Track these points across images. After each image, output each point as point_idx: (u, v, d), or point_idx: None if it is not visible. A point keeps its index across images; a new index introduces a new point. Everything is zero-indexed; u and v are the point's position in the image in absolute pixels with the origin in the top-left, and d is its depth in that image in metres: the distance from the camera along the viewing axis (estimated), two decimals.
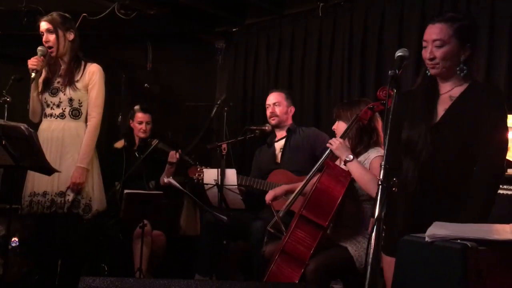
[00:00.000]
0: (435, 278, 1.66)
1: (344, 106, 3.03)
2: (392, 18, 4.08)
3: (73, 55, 3.32)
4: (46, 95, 3.31)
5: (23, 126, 2.76)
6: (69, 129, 3.27)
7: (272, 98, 4.00)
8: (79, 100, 3.29)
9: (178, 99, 5.42)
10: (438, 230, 1.72)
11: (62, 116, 3.29)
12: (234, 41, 5.41)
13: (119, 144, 4.36)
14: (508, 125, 2.20)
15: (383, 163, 1.87)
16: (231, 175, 3.60)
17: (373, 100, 2.96)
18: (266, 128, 4.02)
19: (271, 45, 5.04)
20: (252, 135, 3.98)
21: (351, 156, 2.75)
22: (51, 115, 3.30)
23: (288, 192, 3.19)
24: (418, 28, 3.79)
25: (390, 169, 1.86)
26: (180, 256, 4.35)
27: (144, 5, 4.58)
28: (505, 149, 2.16)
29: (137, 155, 4.24)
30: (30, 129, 2.78)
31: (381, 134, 2.90)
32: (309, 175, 2.90)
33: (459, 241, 1.62)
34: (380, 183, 1.84)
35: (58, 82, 3.31)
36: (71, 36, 3.30)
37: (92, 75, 3.31)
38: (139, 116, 4.32)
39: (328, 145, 2.84)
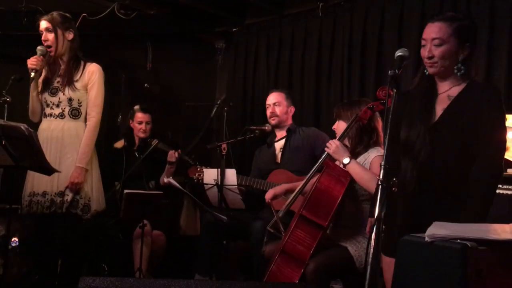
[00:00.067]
0: (435, 278, 1.66)
1: (344, 106, 3.03)
2: (392, 18, 4.08)
3: (72, 54, 3.32)
4: (46, 95, 3.31)
5: (23, 126, 2.76)
6: (68, 129, 3.27)
7: (272, 98, 4.01)
8: (78, 100, 3.29)
9: (178, 99, 5.42)
10: (438, 230, 1.71)
11: (61, 116, 3.28)
12: (234, 41, 5.42)
13: (119, 144, 4.36)
14: (507, 125, 2.21)
15: (383, 163, 1.87)
16: (231, 175, 3.60)
17: (373, 100, 2.96)
18: (266, 128, 4.02)
19: (271, 45, 5.04)
20: (252, 135, 3.98)
21: (348, 159, 2.75)
22: (50, 115, 3.30)
23: (288, 191, 3.19)
24: (418, 28, 3.79)
25: (390, 169, 1.86)
26: (180, 256, 4.35)
27: (144, 5, 4.58)
28: (503, 149, 2.17)
29: (137, 155, 4.25)
30: (30, 129, 2.78)
31: (381, 134, 2.90)
32: (308, 175, 2.90)
33: (459, 241, 1.61)
34: (380, 183, 1.83)
35: (58, 82, 3.30)
36: (70, 35, 3.30)
37: (92, 74, 3.30)
38: (139, 116, 4.32)
39: (325, 149, 2.85)
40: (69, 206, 3.20)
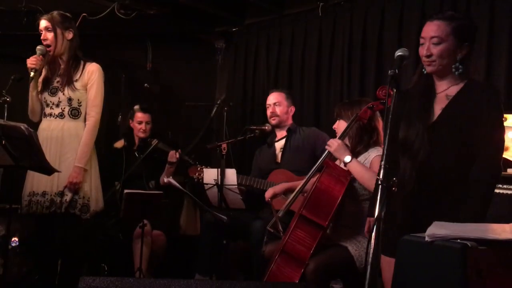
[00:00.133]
0: (435, 278, 1.66)
1: (345, 105, 3.04)
2: (392, 18, 4.08)
3: (71, 54, 3.31)
4: (46, 95, 3.31)
5: (23, 126, 2.76)
6: (68, 128, 3.26)
7: (273, 98, 4.01)
8: (78, 100, 3.29)
9: (178, 99, 5.41)
10: (438, 229, 1.71)
11: (61, 115, 3.28)
12: (234, 41, 5.41)
13: (119, 144, 4.36)
14: (507, 125, 2.21)
15: (383, 162, 1.87)
16: (231, 175, 3.60)
17: (373, 99, 2.96)
18: (266, 128, 4.02)
19: (271, 45, 5.04)
20: (252, 135, 3.98)
21: (349, 158, 2.75)
22: (50, 114, 3.30)
23: (287, 190, 3.19)
24: (418, 28, 3.78)
25: (390, 169, 1.86)
26: (180, 256, 4.35)
27: (144, 5, 4.58)
28: (502, 149, 2.17)
29: (137, 155, 4.24)
30: (30, 129, 2.78)
31: (382, 133, 2.90)
32: (309, 174, 2.90)
33: (459, 240, 1.61)
34: (380, 182, 1.83)
35: (58, 82, 3.30)
36: (69, 35, 3.30)
37: (91, 74, 3.30)
38: (139, 116, 4.32)
39: (326, 147, 2.84)
40: (68, 206, 3.20)
